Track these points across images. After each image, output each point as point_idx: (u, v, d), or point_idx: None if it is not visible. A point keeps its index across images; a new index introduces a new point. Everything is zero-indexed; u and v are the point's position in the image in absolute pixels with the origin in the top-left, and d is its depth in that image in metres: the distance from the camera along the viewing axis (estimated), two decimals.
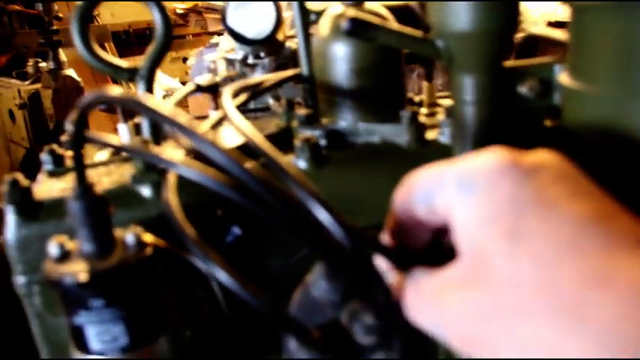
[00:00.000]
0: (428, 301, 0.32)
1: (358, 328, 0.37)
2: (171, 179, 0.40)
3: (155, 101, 0.36)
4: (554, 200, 0.28)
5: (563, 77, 0.45)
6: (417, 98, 0.68)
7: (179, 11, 2.07)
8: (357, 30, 0.45)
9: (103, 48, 3.47)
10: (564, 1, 0.44)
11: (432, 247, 0.37)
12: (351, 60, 0.54)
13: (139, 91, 0.55)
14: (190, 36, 4.06)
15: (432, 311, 0.31)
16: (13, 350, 1.19)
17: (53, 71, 2.45)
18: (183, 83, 2.97)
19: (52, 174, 0.59)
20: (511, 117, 0.52)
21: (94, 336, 0.41)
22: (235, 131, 0.41)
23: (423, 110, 0.66)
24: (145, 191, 0.51)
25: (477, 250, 0.29)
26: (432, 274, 0.32)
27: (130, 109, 0.56)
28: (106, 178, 0.55)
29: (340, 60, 0.54)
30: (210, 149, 0.34)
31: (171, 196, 0.39)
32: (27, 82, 2.56)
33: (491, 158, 0.30)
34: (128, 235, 0.42)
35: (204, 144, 0.34)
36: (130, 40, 4.58)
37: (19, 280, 0.51)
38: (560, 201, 0.28)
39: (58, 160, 0.60)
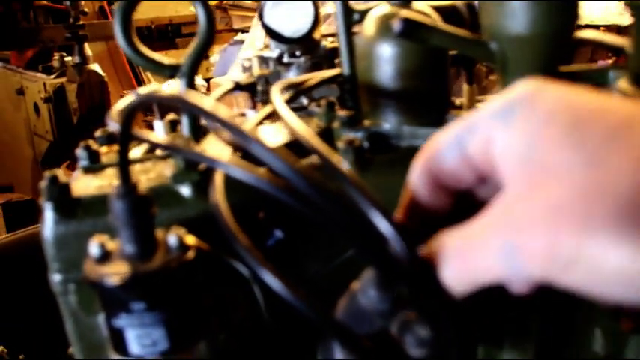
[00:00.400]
0: (492, 235, 0.29)
1: (410, 340, 0.36)
2: (218, 180, 0.39)
3: (205, 101, 0.34)
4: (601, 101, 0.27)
5: (622, 83, 0.43)
6: (457, 101, 0.66)
7: None
8: (410, 31, 0.43)
9: None
10: (625, 1, 0.43)
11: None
12: (397, 61, 0.52)
13: (181, 88, 0.54)
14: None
15: (503, 240, 0.28)
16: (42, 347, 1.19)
17: (78, 65, 2.47)
18: (207, 79, 2.97)
19: (88, 170, 0.58)
20: None
21: (133, 339, 0.40)
22: (286, 129, 0.40)
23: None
24: (185, 191, 0.50)
25: (532, 167, 0.28)
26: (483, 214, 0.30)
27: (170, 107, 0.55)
28: (143, 176, 0.54)
29: (386, 61, 0.53)
30: (263, 151, 0.33)
31: (219, 197, 0.38)
32: (52, 76, 2.58)
33: (522, 86, 0.30)
34: (170, 237, 0.41)
35: (258, 147, 0.33)
36: (152, 35, 4.61)
37: (55, 277, 0.50)
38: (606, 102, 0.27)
39: (93, 156, 0.59)
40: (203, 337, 0.43)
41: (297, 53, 0.80)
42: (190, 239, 0.42)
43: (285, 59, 0.80)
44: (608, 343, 0.61)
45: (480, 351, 0.58)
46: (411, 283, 0.34)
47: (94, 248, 0.41)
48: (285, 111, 0.40)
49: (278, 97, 0.44)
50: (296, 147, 0.54)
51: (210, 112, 0.32)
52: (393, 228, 0.32)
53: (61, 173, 0.50)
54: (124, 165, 0.40)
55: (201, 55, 0.53)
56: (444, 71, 0.55)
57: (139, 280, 0.39)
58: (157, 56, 0.53)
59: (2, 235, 1.83)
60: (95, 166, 0.58)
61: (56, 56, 2.58)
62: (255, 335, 0.53)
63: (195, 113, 0.33)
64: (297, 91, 0.55)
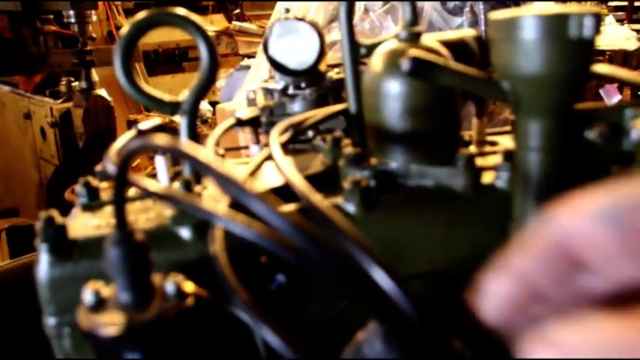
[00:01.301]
0: None
1: None
2: (218, 232, 0.37)
3: (199, 151, 0.33)
4: None
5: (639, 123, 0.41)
6: (465, 136, 0.64)
7: (210, 34, 2.08)
8: (419, 70, 0.42)
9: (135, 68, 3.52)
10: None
11: None
12: (405, 99, 0.51)
13: (182, 125, 0.52)
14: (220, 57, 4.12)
15: None
16: None
17: (85, 90, 2.48)
18: (212, 104, 2.98)
19: (87, 208, 0.56)
20: (578, 163, 0.49)
21: None
22: (281, 176, 0.38)
23: (472, 148, 0.63)
24: (185, 233, 0.48)
25: None
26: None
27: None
28: (143, 215, 0.52)
29: (393, 98, 0.51)
30: (260, 206, 0.31)
31: (219, 249, 0.36)
32: (59, 101, 2.59)
33: None
34: (168, 284, 0.40)
35: (253, 200, 0.31)
36: (159, 59, 4.65)
37: (50, 321, 0.48)
38: None
39: (92, 193, 0.57)
40: None
41: (303, 85, 0.79)
42: (189, 286, 0.40)
43: (291, 91, 0.79)
44: None
45: None
46: (417, 342, 0.32)
47: (87, 296, 0.39)
48: (282, 161, 0.38)
49: (275, 144, 0.43)
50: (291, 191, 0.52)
51: (205, 164, 0.31)
52: (396, 285, 0.30)
53: (56, 214, 0.49)
54: (119, 212, 0.38)
55: (204, 92, 0.52)
56: (453, 109, 0.53)
57: (134, 331, 0.37)
58: (158, 93, 0.52)
59: (6, 261, 1.81)
60: (94, 203, 0.57)
61: (63, 81, 2.59)
62: None
63: (191, 164, 0.31)
64: (298, 130, 0.54)
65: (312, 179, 0.55)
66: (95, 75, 2.54)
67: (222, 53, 3.97)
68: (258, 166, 0.49)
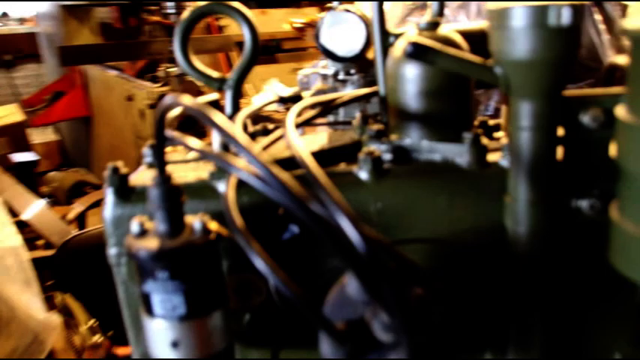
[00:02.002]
0: None
1: (377, 325, 0.40)
2: (233, 179, 0.46)
3: (217, 116, 0.41)
4: None
5: (619, 110, 0.45)
6: (491, 122, 0.69)
7: (297, 25, 2.19)
8: (418, 53, 0.48)
9: (228, 57, 3.72)
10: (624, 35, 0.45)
11: None
12: (419, 82, 0.57)
13: (226, 98, 0.62)
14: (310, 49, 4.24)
15: None
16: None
17: (180, 76, 2.68)
18: None
19: (150, 165, 0.67)
20: (573, 146, 0.53)
21: (157, 302, 0.47)
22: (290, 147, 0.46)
23: (499, 134, 0.67)
24: (221, 187, 0.57)
25: None
26: None
27: None
28: (192, 172, 0.62)
29: (409, 81, 0.57)
30: (247, 154, 0.39)
31: (230, 192, 0.44)
32: (157, 85, 2.82)
33: None
34: (196, 222, 0.49)
35: (244, 150, 0.39)
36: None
37: (111, 251, 0.59)
38: None
39: None
40: (217, 308, 0.49)
41: (352, 71, 0.86)
42: (213, 225, 0.49)
43: (341, 76, 0.86)
44: None
45: (486, 353, 0.60)
46: (367, 274, 0.38)
47: (134, 226, 0.49)
48: (292, 134, 0.46)
49: (291, 117, 0.50)
50: (321, 156, 0.60)
51: (221, 128, 0.39)
52: (353, 225, 0.37)
53: (121, 165, 0.59)
54: (160, 160, 0.48)
55: (246, 71, 0.60)
56: (465, 92, 0.59)
57: (164, 253, 0.46)
58: (208, 70, 0.61)
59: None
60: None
61: (162, 67, 2.82)
62: (276, 317, 0.58)
63: (210, 126, 0.39)
64: (325, 108, 0.61)
65: (339, 150, 0.63)
66: None
67: (308, 45, 4.08)
68: (274, 141, 0.58)
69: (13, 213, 1.92)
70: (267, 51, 4.96)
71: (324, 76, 0.91)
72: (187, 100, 0.41)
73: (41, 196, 2.39)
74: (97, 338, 1.16)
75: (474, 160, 0.56)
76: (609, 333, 0.61)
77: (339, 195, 0.38)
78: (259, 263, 0.40)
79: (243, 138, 0.39)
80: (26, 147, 2.64)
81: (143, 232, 0.49)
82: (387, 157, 0.59)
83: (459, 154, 0.56)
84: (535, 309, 0.55)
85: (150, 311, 0.48)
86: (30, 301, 1.16)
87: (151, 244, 0.47)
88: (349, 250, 0.37)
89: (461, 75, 0.58)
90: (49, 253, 1.76)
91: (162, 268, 0.47)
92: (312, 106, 0.62)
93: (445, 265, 0.57)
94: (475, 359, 0.61)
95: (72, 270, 1.41)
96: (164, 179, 0.48)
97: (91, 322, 1.35)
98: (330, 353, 0.42)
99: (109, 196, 0.59)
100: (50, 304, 1.53)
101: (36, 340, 1.13)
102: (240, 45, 4.42)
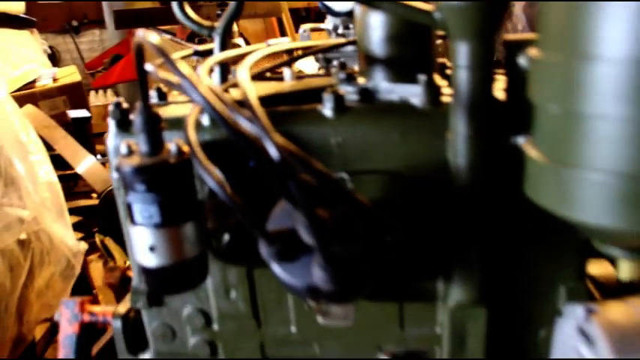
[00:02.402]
0: None
1: (301, 228, 0.48)
2: (196, 110, 0.54)
3: (175, 55, 0.49)
4: None
5: (531, 49, 0.49)
6: None
7: None
8: None
9: (279, 21, 3.80)
10: None
11: None
12: (380, 28, 0.63)
13: (215, 43, 0.69)
14: None
15: None
16: None
17: None
18: None
19: (157, 105, 0.76)
20: (512, 86, 0.57)
21: (137, 212, 0.56)
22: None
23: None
24: (205, 121, 0.65)
25: None
26: None
27: None
28: (184, 110, 0.70)
29: (372, 28, 0.63)
30: (186, 83, 0.47)
31: (190, 117, 0.53)
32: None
33: None
34: (172, 145, 0.57)
35: (183, 79, 0.47)
36: (309, 17, 4.93)
37: (114, 175, 0.69)
38: None
39: (162, 95, 0.77)
40: (188, 220, 0.58)
41: (350, 25, 0.92)
42: (186, 148, 0.57)
43: (340, 30, 0.92)
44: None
45: (435, 285, 0.67)
46: (281, 182, 0.46)
47: (123, 148, 0.58)
48: (242, 71, 0.53)
49: (248, 62, 0.58)
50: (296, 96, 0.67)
51: (169, 59, 0.47)
52: (267, 136, 0.44)
53: (123, 101, 0.69)
54: (143, 91, 0.56)
55: (232, 20, 0.68)
56: (422, 38, 0.64)
57: (142, 168, 0.55)
58: (198, 18, 0.69)
59: None
60: (161, 102, 0.76)
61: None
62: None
63: (159, 55, 0.47)
64: (298, 55, 0.68)
65: (314, 92, 0.69)
66: (235, 25, 2.82)
67: None
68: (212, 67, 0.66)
69: (67, 165, 2.09)
70: (321, 18, 5.03)
71: (321, 30, 0.97)
72: (152, 36, 0.49)
73: (96, 154, 2.57)
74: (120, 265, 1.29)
75: (428, 100, 0.61)
76: (554, 266, 0.66)
77: (262, 112, 0.45)
78: (207, 178, 0.48)
79: (186, 69, 0.47)
80: (84, 107, 2.81)
81: (130, 153, 0.58)
82: (354, 97, 0.65)
83: (414, 94, 0.62)
84: (474, 240, 0.61)
85: (132, 220, 0.57)
86: (63, 231, 1.30)
87: (133, 161, 0.56)
88: (265, 156, 0.44)
89: (417, 25, 0.63)
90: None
91: (140, 181, 0.56)
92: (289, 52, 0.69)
93: (398, 196, 0.63)
94: (424, 288, 0.67)
95: (112, 216, 1.55)
96: (146, 107, 0.57)
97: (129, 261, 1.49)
98: (265, 254, 0.50)
99: (111, 127, 0.68)
100: (94, 248, 1.69)
101: (69, 265, 1.28)
102: (297, 12, 4.51)
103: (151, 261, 0.58)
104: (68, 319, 0.83)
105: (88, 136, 2.59)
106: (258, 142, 0.45)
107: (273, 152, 0.44)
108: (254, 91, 0.47)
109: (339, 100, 0.62)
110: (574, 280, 0.67)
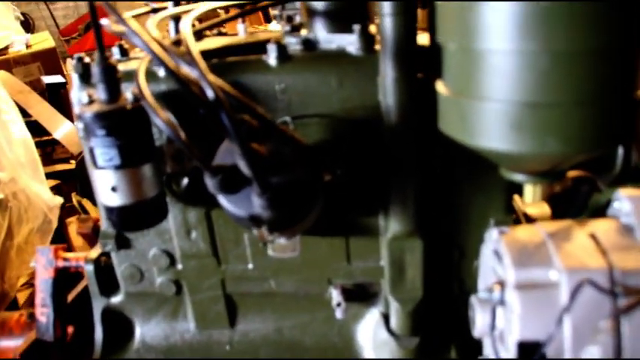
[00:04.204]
0: None
1: (239, 162, 0.54)
2: (147, 60, 0.59)
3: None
4: None
5: None
6: None
7: None
8: None
9: None
10: None
11: None
12: None
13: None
14: None
15: None
16: None
17: None
18: None
19: (119, 61, 0.81)
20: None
21: (99, 155, 0.62)
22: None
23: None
24: (161, 72, 0.70)
25: None
26: None
27: None
28: (145, 62, 0.75)
29: None
30: (138, 40, 0.52)
31: (142, 65, 0.58)
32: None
33: None
34: (128, 93, 0.63)
35: (127, 28, 0.52)
36: None
37: (79, 125, 0.74)
38: None
39: (123, 52, 0.82)
40: (146, 161, 0.64)
41: None
42: None
43: None
44: None
45: (377, 220, 0.74)
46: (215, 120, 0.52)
47: (83, 97, 0.63)
48: (185, 28, 0.59)
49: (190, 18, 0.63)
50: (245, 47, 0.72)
51: (117, 14, 0.52)
52: (210, 88, 0.50)
53: (85, 55, 0.74)
54: (100, 45, 0.61)
55: None
56: None
57: (101, 115, 0.60)
58: None
59: None
60: (122, 58, 0.81)
61: None
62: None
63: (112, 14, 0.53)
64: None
65: (261, 44, 0.75)
66: None
67: None
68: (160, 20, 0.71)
69: (44, 130, 2.12)
70: None
71: None
72: None
73: (73, 120, 2.59)
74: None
75: (362, 48, 0.67)
76: (483, 201, 0.73)
77: (199, 57, 0.51)
78: (154, 117, 0.54)
79: (134, 24, 0.52)
80: (59, 73, 2.82)
81: (91, 102, 0.63)
82: (298, 47, 0.71)
83: (350, 43, 0.68)
84: (407, 175, 0.68)
85: (95, 163, 0.63)
86: (38, 187, 1.35)
87: (93, 108, 0.61)
88: (202, 97, 0.50)
89: None
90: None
91: (100, 126, 0.61)
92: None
93: (338, 138, 0.70)
94: (366, 223, 0.74)
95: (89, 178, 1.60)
96: (102, 58, 0.62)
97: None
98: (210, 186, 0.56)
99: (74, 81, 0.73)
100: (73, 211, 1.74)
101: (45, 219, 1.34)
102: None
103: (114, 200, 0.64)
104: (44, 264, 0.90)
105: (63, 101, 2.60)
106: (197, 84, 0.50)
107: (208, 92, 0.50)
108: (193, 39, 0.53)
109: (281, 49, 0.68)
110: (502, 214, 0.74)
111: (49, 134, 2.16)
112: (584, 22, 0.44)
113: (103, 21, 0.61)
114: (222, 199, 0.59)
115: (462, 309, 0.69)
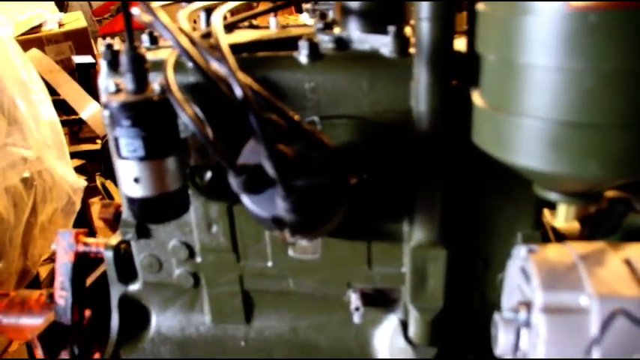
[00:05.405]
0: None
1: (265, 162, 0.53)
2: (176, 51, 0.58)
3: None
4: None
5: (480, 4, 0.53)
6: None
7: None
8: None
9: None
10: None
11: None
12: None
13: None
14: None
15: None
16: None
17: None
18: None
19: (148, 49, 0.80)
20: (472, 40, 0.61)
21: (123, 145, 0.61)
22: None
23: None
24: (190, 64, 0.69)
25: None
26: None
27: None
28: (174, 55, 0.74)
29: None
30: (168, 34, 0.51)
31: (170, 59, 0.57)
32: None
33: None
34: (156, 85, 0.62)
35: (156, 20, 0.51)
36: None
37: (105, 113, 0.73)
38: None
39: (153, 39, 0.81)
40: (170, 154, 0.63)
41: None
42: None
43: None
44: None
45: (401, 227, 0.72)
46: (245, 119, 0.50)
47: (111, 85, 0.63)
48: (216, 22, 0.57)
49: (220, 12, 0.62)
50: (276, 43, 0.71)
51: (147, 5, 0.51)
52: (238, 86, 0.48)
53: (116, 41, 0.73)
54: (129, 33, 0.60)
55: None
56: None
57: (127, 105, 0.60)
58: None
59: None
60: (152, 46, 0.80)
61: None
62: None
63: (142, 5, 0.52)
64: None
65: (293, 39, 0.73)
66: None
67: None
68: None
69: (71, 109, 2.13)
70: None
71: None
72: None
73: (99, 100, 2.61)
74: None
75: (396, 50, 0.65)
76: (512, 214, 0.71)
77: (229, 54, 0.49)
78: (180, 111, 0.52)
79: (163, 16, 0.51)
80: (90, 53, 2.84)
81: (118, 91, 0.63)
82: (330, 46, 0.69)
83: (383, 44, 0.66)
84: (435, 184, 0.66)
85: (119, 153, 0.62)
86: (64, 168, 1.36)
87: (120, 98, 0.61)
88: (230, 95, 0.49)
89: None
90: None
91: (125, 117, 0.60)
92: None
93: (366, 141, 0.68)
94: (390, 229, 0.72)
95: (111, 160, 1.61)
96: (131, 48, 0.61)
97: None
98: (234, 185, 0.55)
99: (103, 68, 0.72)
100: (96, 192, 1.75)
101: (69, 201, 1.35)
102: None
103: (136, 192, 0.63)
104: (64, 248, 0.90)
105: (92, 82, 2.62)
106: (225, 81, 0.49)
107: (237, 90, 0.49)
108: (223, 34, 0.52)
109: (313, 47, 0.66)
110: (530, 228, 0.71)
111: (76, 113, 2.18)
112: (632, 42, 0.42)
113: (134, 10, 0.60)
114: (245, 199, 0.58)
115: (483, 322, 0.68)
